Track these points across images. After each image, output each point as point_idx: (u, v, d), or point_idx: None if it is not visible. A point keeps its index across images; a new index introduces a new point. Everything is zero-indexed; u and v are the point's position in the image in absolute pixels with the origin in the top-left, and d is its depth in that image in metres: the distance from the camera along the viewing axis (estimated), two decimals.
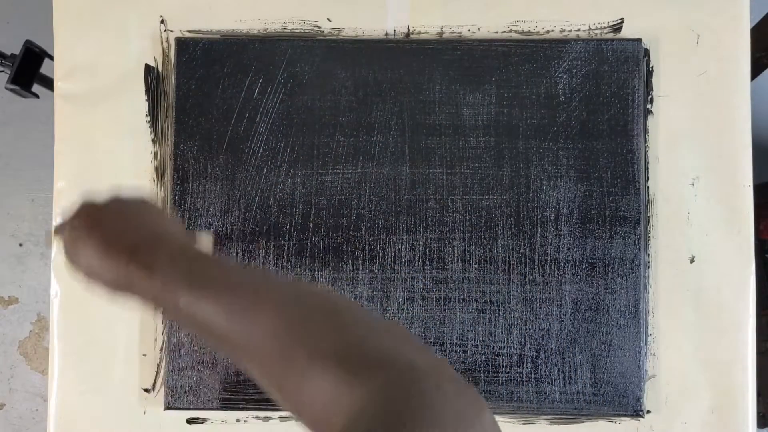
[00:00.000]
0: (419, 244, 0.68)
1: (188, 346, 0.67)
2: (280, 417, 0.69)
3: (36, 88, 0.89)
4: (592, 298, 0.67)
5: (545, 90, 0.69)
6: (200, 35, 0.71)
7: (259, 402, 0.67)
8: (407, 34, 0.71)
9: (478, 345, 0.67)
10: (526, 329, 0.67)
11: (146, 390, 0.69)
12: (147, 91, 0.71)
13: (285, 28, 0.71)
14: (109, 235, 0.46)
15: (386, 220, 0.68)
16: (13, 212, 1.52)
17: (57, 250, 0.69)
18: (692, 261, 0.69)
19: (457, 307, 0.68)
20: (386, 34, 0.71)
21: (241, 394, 0.67)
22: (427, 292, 0.68)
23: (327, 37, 0.71)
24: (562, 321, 0.67)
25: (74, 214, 0.49)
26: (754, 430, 0.68)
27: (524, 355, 0.67)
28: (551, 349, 0.67)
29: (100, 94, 0.71)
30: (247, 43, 0.70)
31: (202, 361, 0.67)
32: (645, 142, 0.69)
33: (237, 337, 0.39)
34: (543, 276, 0.68)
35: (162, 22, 0.71)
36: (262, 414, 0.69)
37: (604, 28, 0.71)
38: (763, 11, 1.03)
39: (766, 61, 1.03)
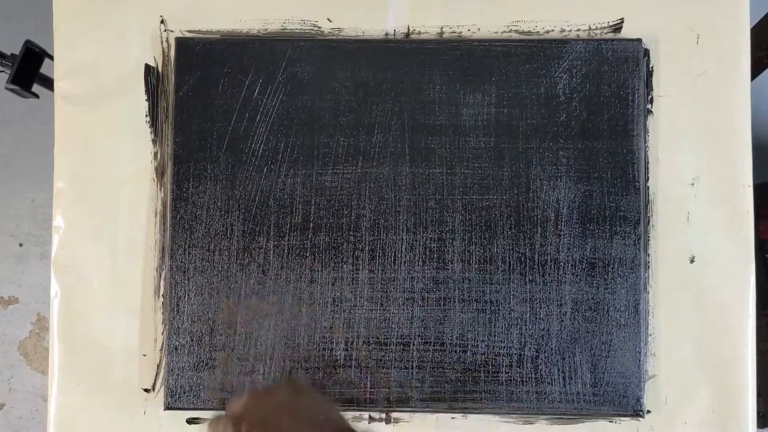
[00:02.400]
0: (419, 244, 0.68)
1: (188, 347, 0.67)
2: None
3: (36, 88, 0.89)
4: (592, 298, 0.67)
5: (545, 90, 0.69)
6: (200, 35, 0.71)
7: None
8: (407, 34, 0.71)
9: (478, 345, 0.67)
10: (526, 329, 0.67)
11: (146, 390, 0.69)
12: (147, 91, 0.71)
13: (285, 28, 0.71)
14: None
15: (386, 220, 0.68)
16: (13, 212, 1.52)
17: (58, 248, 0.69)
18: (692, 261, 0.69)
19: (457, 307, 0.68)
20: (386, 34, 0.71)
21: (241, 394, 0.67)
22: (427, 292, 0.68)
23: (327, 37, 0.71)
24: (562, 321, 0.67)
25: (239, 412, 0.47)
26: (754, 430, 0.68)
27: (524, 355, 0.67)
28: (551, 349, 0.67)
29: (100, 94, 0.71)
30: (247, 43, 0.70)
31: (202, 361, 0.67)
32: (645, 142, 0.69)
33: None
34: (543, 276, 0.68)
35: (162, 22, 0.71)
36: None
37: (604, 28, 0.71)
38: (763, 11, 1.03)
39: (766, 61, 1.03)
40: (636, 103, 0.69)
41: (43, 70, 0.89)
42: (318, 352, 0.67)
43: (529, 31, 0.71)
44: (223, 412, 0.49)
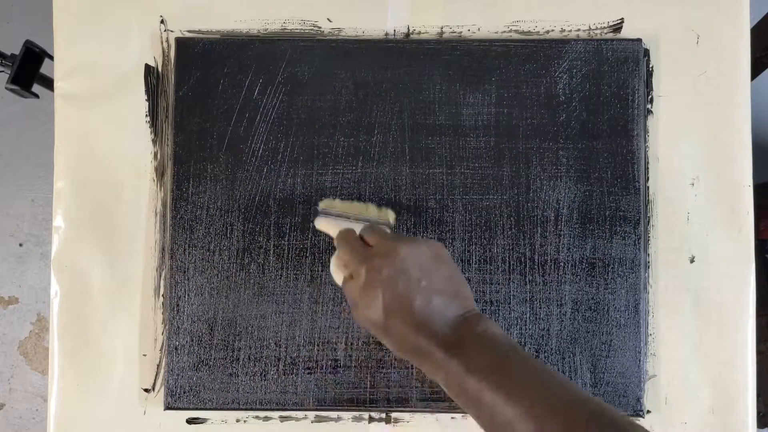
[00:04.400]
0: None
1: (188, 347, 0.67)
2: (280, 417, 0.69)
3: (36, 88, 0.89)
4: (592, 298, 0.68)
5: (545, 90, 0.69)
6: (200, 35, 0.71)
7: (259, 402, 0.67)
8: (407, 34, 0.71)
9: None
10: (526, 329, 0.67)
11: (146, 390, 0.69)
12: (147, 91, 0.71)
13: (285, 28, 0.71)
14: (407, 296, 0.46)
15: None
16: (13, 212, 1.52)
17: (58, 248, 0.69)
18: (692, 261, 0.69)
19: None
20: (386, 34, 0.71)
21: (241, 394, 0.67)
22: None
23: (327, 37, 0.71)
24: (562, 321, 0.67)
25: (372, 254, 0.48)
26: (754, 430, 0.68)
27: None
28: (551, 349, 0.67)
29: (100, 94, 0.71)
30: (247, 43, 0.70)
31: (202, 361, 0.67)
32: (645, 142, 0.69)
33: (522, 426, 0.41)
34: (543, 276, 0.68)
35: (162, 22, 0.71)
36: (262, 414, 0.69)
37: (604, 28, 0.71)
38: (763, 11, 1.03)
39: (766, 61, 1.03)
40: (636, 103, 0.69)
41: (43, 70, 0.89)
42: (318, 351, 0.67)
43: (529, 31, 0.71)
44: (356, 227, 0.49)
